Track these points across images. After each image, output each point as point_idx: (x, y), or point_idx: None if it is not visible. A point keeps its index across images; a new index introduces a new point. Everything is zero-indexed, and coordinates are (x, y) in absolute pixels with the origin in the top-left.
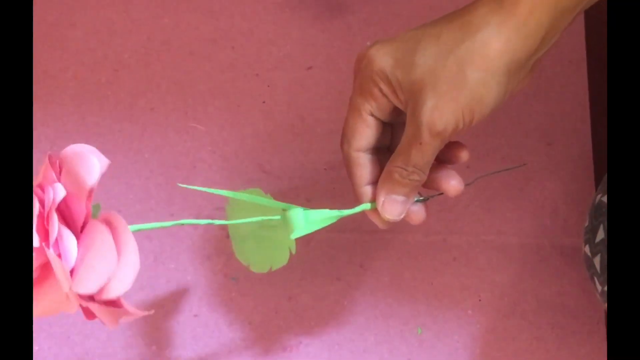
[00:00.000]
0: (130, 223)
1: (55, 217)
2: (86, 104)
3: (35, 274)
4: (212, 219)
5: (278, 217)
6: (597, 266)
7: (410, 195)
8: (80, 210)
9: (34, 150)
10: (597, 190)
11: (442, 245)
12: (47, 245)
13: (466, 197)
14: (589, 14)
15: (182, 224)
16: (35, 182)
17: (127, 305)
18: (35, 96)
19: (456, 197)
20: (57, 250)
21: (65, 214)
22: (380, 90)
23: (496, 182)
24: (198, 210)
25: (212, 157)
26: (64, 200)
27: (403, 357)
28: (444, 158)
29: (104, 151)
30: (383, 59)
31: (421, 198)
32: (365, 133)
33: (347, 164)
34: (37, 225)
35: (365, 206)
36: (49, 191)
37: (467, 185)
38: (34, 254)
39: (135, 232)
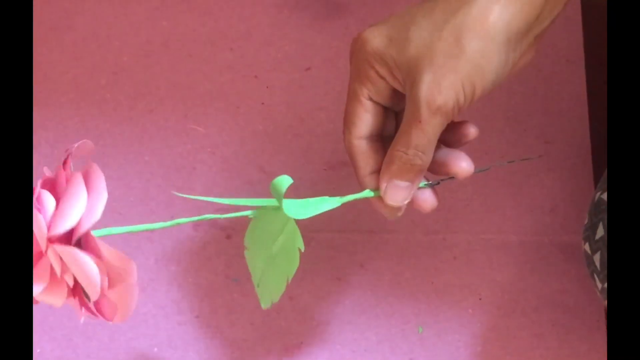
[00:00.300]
0: (131, 225)
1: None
2: (85, 107)
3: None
4: (213, 220)
5: (274, 201)
6: (597, 263)
7: (415, 180)
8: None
9: (34, 154)
10: (596, 188)
11: (442, 244)
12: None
13: (465, 196)
14: (587, 13)
15: (178, 224)
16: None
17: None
18: (34, 100)
19: (455, 195)
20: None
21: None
22: (377, 72)
23: (495, 181)
24: (199, 212)
25: (212, 158)
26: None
27: (404, 356)
28: (451, 140)
29: (103, 154)
30: (377, 39)
31: (429, 182)
32: (365, 119)
33: (349, 153)
34: None
35: (368, 193)
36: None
37: (481, 171)
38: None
39: (136, 234)
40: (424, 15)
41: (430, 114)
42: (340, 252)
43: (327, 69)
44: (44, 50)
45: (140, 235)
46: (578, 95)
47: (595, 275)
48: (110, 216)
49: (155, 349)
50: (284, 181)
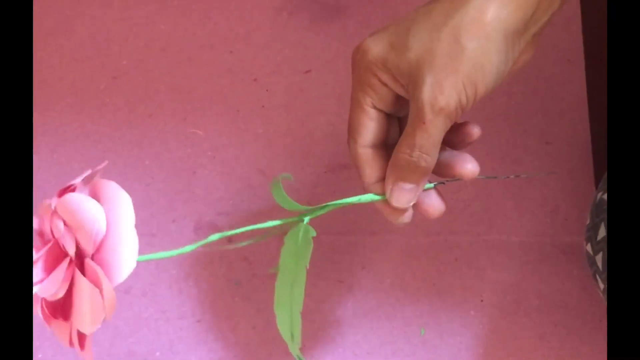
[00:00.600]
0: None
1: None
2: (85, 112)
3: None
4: (214, 223)
5: (278, 222)
6: (599, 264)
7: (420, 182)
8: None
9: (34, 159)
10: (597, 188)
11: (444, 245)
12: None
13: (466, 197)
14: (587, 13)
15: (202, 245)
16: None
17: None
18: (34, 105)
19: (456, 197)
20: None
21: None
22: (379, 79)
23: (496, 182)
24: (199, 216)
25: (212, 162)
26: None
27: (407, 358)
28: (455, 142)
29: (103, 158)
30: (377, 46)
31: (434, 183)
32: (370, 127)
33: (354, 162)
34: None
35: (373, 196)
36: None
37: (491, 178)
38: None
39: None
40: (422, 19)
41: (433, 115)
42: (341, 254)
43: (327, 72)
44: (43, 55)
45: (140, 239)
46: (578, 95)
47: (598, 276)
48: None
49: (157, 354)
50: (281, 179)
